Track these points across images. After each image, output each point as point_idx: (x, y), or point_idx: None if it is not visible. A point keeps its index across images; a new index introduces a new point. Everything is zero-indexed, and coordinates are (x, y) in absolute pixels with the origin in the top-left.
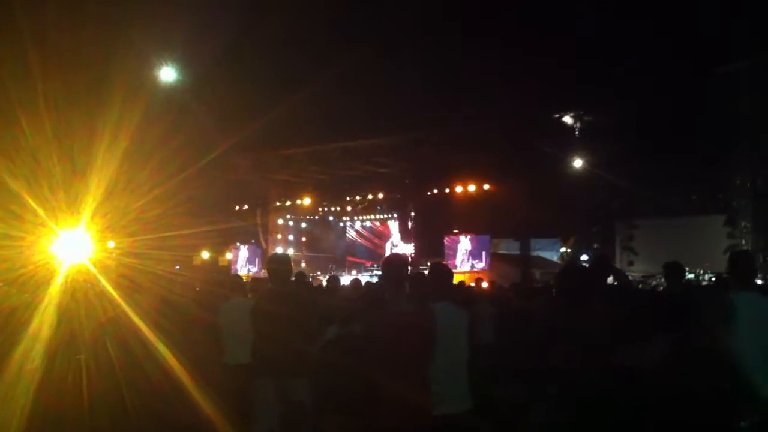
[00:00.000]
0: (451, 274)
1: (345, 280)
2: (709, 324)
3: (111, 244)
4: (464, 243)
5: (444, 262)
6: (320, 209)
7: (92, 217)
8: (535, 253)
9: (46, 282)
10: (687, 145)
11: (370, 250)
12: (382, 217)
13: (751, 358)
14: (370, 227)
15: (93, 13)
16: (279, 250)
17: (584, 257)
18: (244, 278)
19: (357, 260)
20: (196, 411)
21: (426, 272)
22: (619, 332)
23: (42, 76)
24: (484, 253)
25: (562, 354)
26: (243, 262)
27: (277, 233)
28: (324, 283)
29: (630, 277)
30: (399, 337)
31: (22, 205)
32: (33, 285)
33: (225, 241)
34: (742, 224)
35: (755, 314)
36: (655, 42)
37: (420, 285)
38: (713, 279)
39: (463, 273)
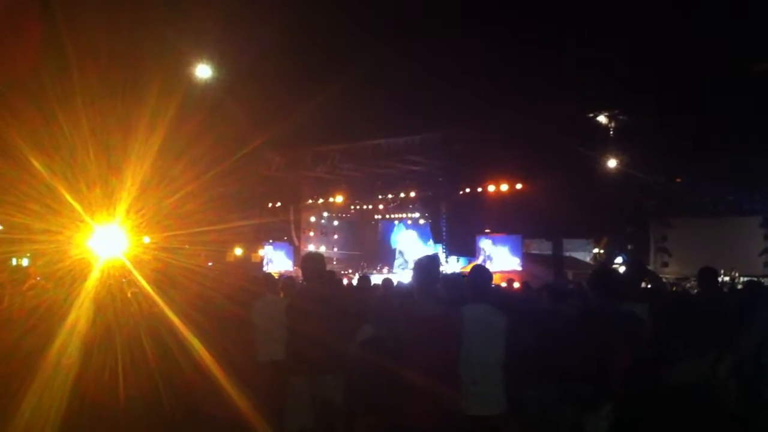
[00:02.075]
0: (490, 277)
1: (377, 278)
2: (750, 331)
3: (146, 240)
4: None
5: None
6: (352, 207)
7: (127, 212)
8: (567, 254)
9: (83, 277)
10: (723, 144)
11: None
12: (413, 215)
13: None
14: None
15: (129, 10)
16: (311, 247)
17: (618, 259)
18: (275, 276)
19: None
20: (230, 407)
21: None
22: (668, 345)
23: (79, 72)
24: (516, 253)
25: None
26: (275, 259)
27: (310, 230)
28: (354, 281)
29: (664, 280)
30: (424, 340)
31: (60, 200)
32: (70, 280)
33: (258, 237)
34: None
35: None
36: (690, 40)
37: (457, 286)
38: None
39: (495, 273)
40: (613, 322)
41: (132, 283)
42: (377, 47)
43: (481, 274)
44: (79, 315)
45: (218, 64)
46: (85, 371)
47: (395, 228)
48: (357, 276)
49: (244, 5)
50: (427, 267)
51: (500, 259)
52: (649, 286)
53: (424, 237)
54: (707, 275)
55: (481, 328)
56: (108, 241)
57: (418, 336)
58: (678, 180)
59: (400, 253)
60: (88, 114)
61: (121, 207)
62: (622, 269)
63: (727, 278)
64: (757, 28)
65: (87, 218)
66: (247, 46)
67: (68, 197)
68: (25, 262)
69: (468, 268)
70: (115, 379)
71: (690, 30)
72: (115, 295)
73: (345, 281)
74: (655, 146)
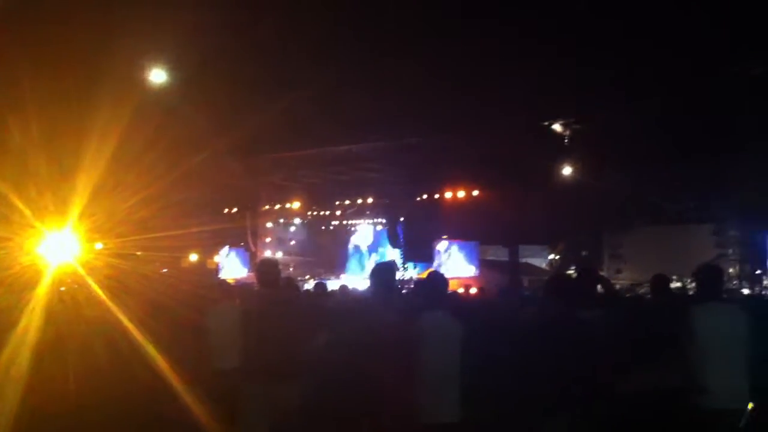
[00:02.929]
0: (446, 284)
1: (334, 284)
2: (682, 338)
3: (98, 246)
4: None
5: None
6: (309, 213)
7: (79, 218)
8: (523, 260)
9: (33, 283)
10: (677, 153)
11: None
12: (370, 222)
13: (712, 366)
14: None
15: (82, 12)
16: (268, 253)
17: (573, 267)
18: (230, 282)
19: None
20: (186, 413)
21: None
22: (624, 355)
23: (29, 75)
24: (473, 259)
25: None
26: (230, 266)
27: (266, 236)
28: (310, 287)
29: (617, 285)
30: (381, 347)
31: (9, 206)
32: (20, 286)
33: (214, 243)
34: (730, 233)
35: (715, 324)
36: (648, 47)
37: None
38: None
39: (452, 279)
40: (572, 331)
41: (90, 295)
42: (334, 56)
43: (437, 281)
44: (30, 322)
45: (174, 67)
46: (35, 378)
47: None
48: (313, 282)
49: (201, 7)
50: (383, 274)
51: (457, 265)
52: (601, 291)
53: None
54: (657, 283)
55: (438, 336)
56: (59, 247)
57: (375, 343)
58: (633, 188)
59: (356, 247)
60: (38, 117)
61: (73, 213)
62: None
63: (679, 284)
64: (725, 32)
65: (37, 224)
66: (203, 50)
67: (17, 203)
68: None
69: (425, 275)
70: (66, 385)
71: (650, 36)
72: (67, 301)
73: (303, 287)
74: (610, 154)
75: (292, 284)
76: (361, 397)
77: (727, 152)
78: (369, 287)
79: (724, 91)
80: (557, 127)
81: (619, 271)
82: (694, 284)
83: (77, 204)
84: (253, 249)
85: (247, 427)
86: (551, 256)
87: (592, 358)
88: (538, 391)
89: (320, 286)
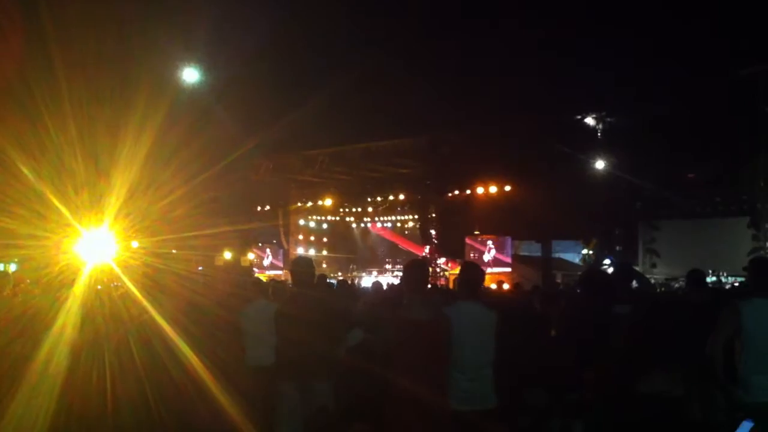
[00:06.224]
0: (481, 274)
1: (367, 281)
2: (717, 333)
3: (134, 244)
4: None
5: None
6: (341, 210)
7: (116, 217)
8: (556, 256)
9: (70, 282)
10: (710, 146)
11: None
12: (402, 218)
13: (750, 364)
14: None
15: (117, 13)
16: (300, 251)
17: (606, 261)
18: (264, 279)
19: None
20: (220, 413)
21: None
22: (648, 354)
23: (66, 76)
24: (506, 254)
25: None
26: (264, 264)
27: (299, 234)
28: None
29: (652, 280)
30: (413, 344)
31: (47, 204)
32: (57, 285)
33: (247, 241)
34: (766, 226)
35: (761, 322)
36: (678, 44)
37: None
38: (735, 285)
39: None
40: (601, 327)
41: (126, 294)
42: (366, 53)
43: (472, 271)
44: (67, 321)
45: (207, 68)
46: (72, 378)
47: None
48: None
49: (233, 11)
50: (416, 270)
51: (489, 260)
52: (636, 286)
53: None
54: (694, 279)
55: (473, 326)
56: (96, 245)
57: (407, 339)
58: (665, 182)
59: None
60: (75, 118)
61: (110, 211)
62: (611, 270)
63: (714, 278)
64: (742, 33)
65: (75, 223)
66: (235, 51)
67: (55, 201)
68: (12, 267)
69: (457, 270)
70: (103, 385)
71: (678, 34)
72: (104, 300)
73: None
74: (643, 148)
75: (326, 281)
76: (393, 394)
77: (759, 144)
78: (401, 284)
79: (751, 87)
80: (589, 120)
81: (653, 266)
82: (731, 279)
83: (113, 203)
84: (286, 247)
85: (280, 425)
86: (585, 251)
87: (626, 354)
88: (565, 392)
89: (344, 285)
